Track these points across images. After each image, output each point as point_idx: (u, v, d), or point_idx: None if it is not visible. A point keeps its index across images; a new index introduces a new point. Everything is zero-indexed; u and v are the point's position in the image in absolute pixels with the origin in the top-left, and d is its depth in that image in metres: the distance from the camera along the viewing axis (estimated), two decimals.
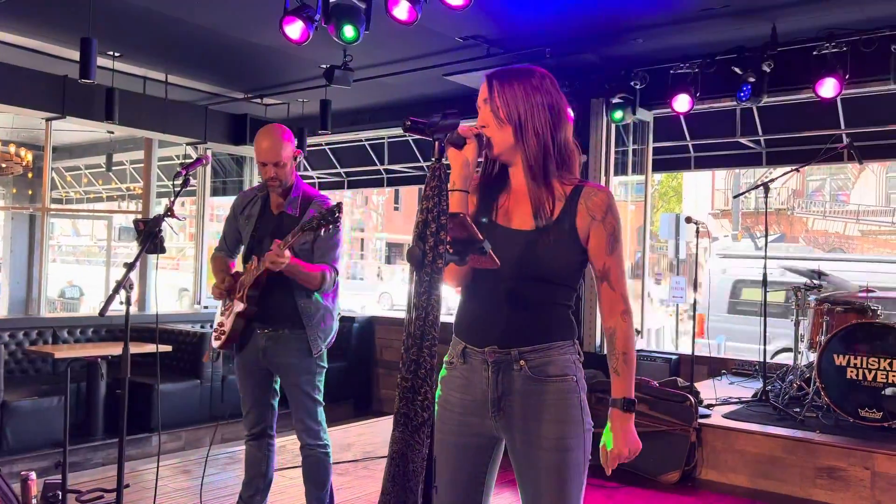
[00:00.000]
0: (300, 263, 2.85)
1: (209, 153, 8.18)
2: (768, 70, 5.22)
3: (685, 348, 5.83)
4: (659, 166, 7.24)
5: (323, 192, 3.16)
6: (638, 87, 5.87)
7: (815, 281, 5.25)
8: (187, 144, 8.03)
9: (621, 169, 6.59)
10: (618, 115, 5.98)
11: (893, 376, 4.27)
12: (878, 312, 4.82)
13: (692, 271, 6.42)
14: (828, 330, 4.75)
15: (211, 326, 7.50)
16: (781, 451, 4.20)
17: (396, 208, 30.34)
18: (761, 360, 5.19)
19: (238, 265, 3.19)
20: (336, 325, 3.11)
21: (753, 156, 7.08)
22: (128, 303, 2.45)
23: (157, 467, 3.11)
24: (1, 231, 12.04)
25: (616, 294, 1.77)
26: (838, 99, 5.57)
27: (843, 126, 6.12)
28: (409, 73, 6.37)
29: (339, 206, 2.70)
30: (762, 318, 5.20)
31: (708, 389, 5.25)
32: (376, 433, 5.37)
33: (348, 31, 4.14)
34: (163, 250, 2.56)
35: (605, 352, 1.81)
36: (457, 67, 6.06)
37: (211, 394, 6.63)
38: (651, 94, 5.99)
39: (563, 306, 1.77)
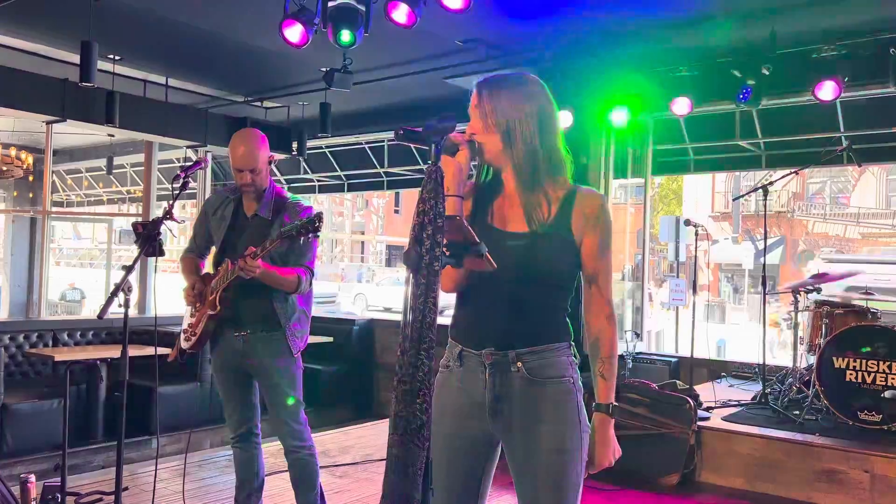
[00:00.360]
0: (273, 269, 2.84)
1: (208, 156, 8.20)
2: (767, 73, 5.23)
3: (685, 351, 5.83)
4: (658, 169, 7.25)
5: (298, 195, 3.15)
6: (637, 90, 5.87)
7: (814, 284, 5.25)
8: (187, 147, 8.04)
9: (621, 172, 6.60)
10: (616, 117, 5.99)
11: (893, 379, 4.27)
12: (878, 315, 4.82)
13: (692, 274, 6.42)
14: (827, 332, 4.75)
15: None
16: (781, 454, 4.20)
17: (397, 211, 30.40)
18: (761, 362, 5.19)
19: (208, 266, 3.18)
20: (308, 328, 3.11)
21: (753, 158, 7.09)
22: (126, 306, 2.45)
23: (156, 470, 3.11)
24: (2, 234, 12.07)
25: (603, 298, 1.79)
26: (837, 102, 5.58)
27: (842, 129, 6.13)
28: (408, 76, 6.38)
29: (319, 216, 2.68)
30: (762, 320, 5.20)
31: (707, 392, 5.24)
32: (376, 436, 5.37)
33: (345, 35, 4.15)
34: (162, 253, 2.57)
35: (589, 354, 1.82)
36: (457, 70, 6.08)
37: (211, 397, 6.63)
38: (650, 97, 5.99)
39: (560, 308, 1.79)
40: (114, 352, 5.89)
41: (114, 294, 2.38)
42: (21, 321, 8.29)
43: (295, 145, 8.19)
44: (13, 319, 9.26)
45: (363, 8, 4.26)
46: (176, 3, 5.06)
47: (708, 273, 25.05)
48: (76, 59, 5.22)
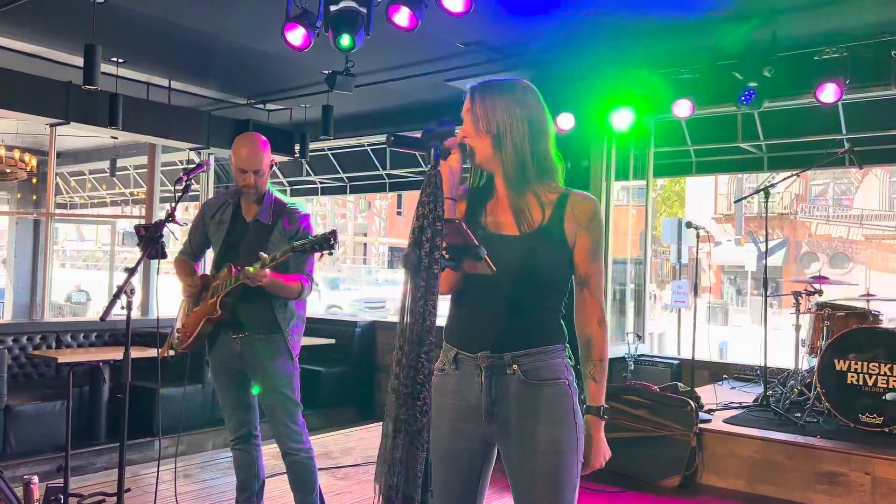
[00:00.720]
0: (279, 278, 2.86)
1: (211, 158, 8.22)
2: (769, 75, 5.23)
3: (687, 353, 5.84)
4: (660, 171, 7.25)
5: (300, 198, 3.18)
6: (639, 92, 5.88)
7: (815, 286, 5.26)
8: (190, 150, 8.07)
9: (623, 174, 6.61)
10: (618, 119, 5.99)
11: (894, 381, 4.27)
12: (879, 317, 4.82)
13: (694, 276, 6.42)
14: (828, 335, 4.76)
15: None
16: (782, 456, 4.20)
17: (399, 213, 30.42)
18: (762, 365, 5.19)
19: (202, 269, 3.20)
20: (302, 334, 3.12)
21: (755, 160, 7.09)
22: (129, 308, 2.46)
23: (158, 471, 3.12)
24: (6, 236, 12.10)
25: (595, 301, 1.81)
26: (839, 104, 5.58)
27: (844, 131, 6.13)
28: (410, 78, 6.40)
29: (334, 233, 2.69)
30: (763, 324, 5.20)
31: (709, 394, 5.25)
32: (377, 437, 5.36)
33: (344, 40, 4.17)
34: (164, 255, 2.58)
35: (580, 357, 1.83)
36: (458, 73, 6.09)
37: (213, 398, 6.64)
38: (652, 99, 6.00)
39: (554, 310, 1.80)
40: (117, 353, 5.91)
41: (116, 296, 2.40)
42: (24, 323, 8.31)
43: (297, 147, 8.21)
44: (17, 321, 9.28)
45: (364, 10, 4.27)
46: (179, 7, 5.08)
47: (710, 275, 25.03)
48: (80, 61, 5.24)
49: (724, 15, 4.86)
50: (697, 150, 7.18)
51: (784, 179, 5.51)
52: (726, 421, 4.61)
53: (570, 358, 1.80)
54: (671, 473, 4.35)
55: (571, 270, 1.81)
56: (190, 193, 2.82)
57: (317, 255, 2.80)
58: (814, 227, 25.17)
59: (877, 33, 4.89)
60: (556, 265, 1.77)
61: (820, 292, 5.26)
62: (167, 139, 7.61)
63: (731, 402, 5.06)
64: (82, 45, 5.14)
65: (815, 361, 4.78)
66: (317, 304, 16.77)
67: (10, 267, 11.60)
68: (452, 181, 1.71)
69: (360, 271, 28.15)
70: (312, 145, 8.15)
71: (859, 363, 4.39)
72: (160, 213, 8.25)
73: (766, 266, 5.23)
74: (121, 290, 2.41)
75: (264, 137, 3.03)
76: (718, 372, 6.19)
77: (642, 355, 6.44)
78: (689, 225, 5.48)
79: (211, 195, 8.55)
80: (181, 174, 2.81)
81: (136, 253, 2.57)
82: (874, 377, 4.33)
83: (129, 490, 3.26)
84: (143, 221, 7.44)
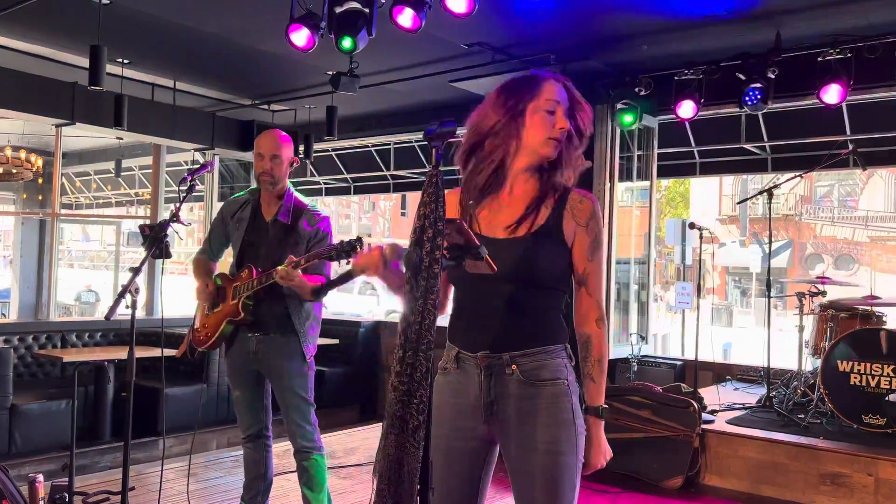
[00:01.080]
0: (306, 278, 2.88)
1: (215, 159, 8.25)
2: (773, 76, 5.23)
3: (691, 354, 5.84)
4: (664, 172, 7.26)
5: (309, 198, 3.19)
6: (642, 93, 5.89)
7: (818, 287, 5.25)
8: (195, 150, 8.10)
9: (626, 175, 6.61)
10: (627, 119, 5.99)
11: None
12: (883, 319, 4.81)
13: (698, 277, 6.42)
14: (832, 336, 4.75)
15: None
16: (785, 458, 4.20)
17: (403, 214, 30.38)
18: (766, 366, 5.19)
19: (221, 268, 3.23)
20: (318, 335, 3.14)
21: (759, 162, 7.09)
22: (133, 307, 2.48)
23: (162, 470, 3.14)
24: (11, 236, 12.15)
25: (593, 300, 1.81)
26: (843, 105, 5.58)
27: (848, 132, 6.12)
28: (414, 79, 6.41)
29: (359, 241, 2.69)
30: (767, 325, 5.20)
31: (712, 395, 5.24)
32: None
33: (346, 42, 4.19)
34: (168, 255, 2.60)
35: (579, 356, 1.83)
36: (462, 74, 6.10)
37: (217, 398, 6.67)
38: (655, 100, 6.01)
39: (554, 310, 1.80)
40: (121, 353, 5.94)
41: (121, 295, 2.41)
42: (30, 322, 8.34)
43: (302, 148, 8.23)
44: (22, 321, 9.33)
45: (367, 10, 4.29)
46: (184, 8, 5.10)
47: (715, 276, 24.98)
48: (85, 62, 5.26)
49: (728, 16, 4.86)
50: (701, 151, 7.18)
51: (788, 180, 5.51)
52: (729, 422, 4.61)
53: (570, 358, 1.81)
54: (674, 474, 4.35)
55: (571, 270, 1.81)
56: (194, 194, 2.84)
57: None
58: (819, 228, 25.09)
59: (881, 34, 4.89)
60: (554, 265, 1.77)
61: (824, 293, 5.26)
62: (172, 140, 7.65)
63: (734, 403, 5.06)
64: (88, 46, 5.16)
65: (818, 362, 4.77)
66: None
67: (15, 267, 11.65)
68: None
69: None
70: (317, 146, 8.17)
71: (863, 364, 4.38)
72: (165, 214, 8.28)
73: (769, 267, 5.22)
74: (125, 289, 2.42)
75: (289, 136, 3.09)
76: (722, 373, 6.18)
77: (646, 356, 6.44)
78: (692, 226, 5.48)
79: (215, 196, 8.58)
80: (186, 174, 2.83)
81: (141, 253, 2.59)
82: (877, 378, 4.32)
83: (133, 489, 3.28)
84: (147, 222, 7.48)
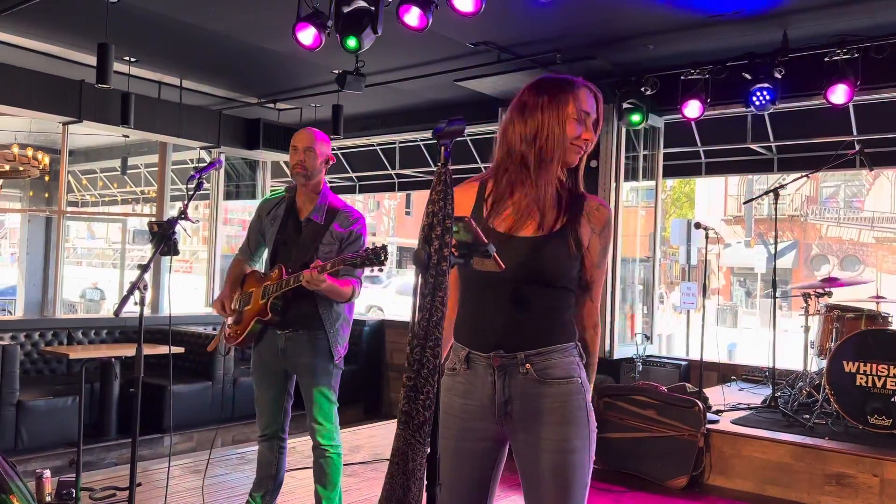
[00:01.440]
0: (335, 282, 2.89)
1: (222, 157, 8.27)
2: (779, 76, 5.22)
3: (696, 354, 5.84)
4: (669, 172, 7.25)
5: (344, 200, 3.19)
6: (648, 92, 5.89)
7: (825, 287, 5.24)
8: (201, 148, 8.12)
9: (632, 175, 6.61)
10: (635, 118, 5.98)
11: None
12: (889, 319, 4.80)
13: (703, 277, 6.41)
14: (838, 336, 4.75)
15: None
16: (790, 458, 4.20)
17: (408, 213, 30.43)
18: (771, 366, 5.18)
19: (260, 267, 3.25)
20: (348, 335, 3.15)
21: (765, 162, 7.08)
22: (142, 303, 2.49)
23: (169, 466, 3.16)
24: (18, 233, 12.19)
25: (594, 306, 1.85)
26: (850, 105, 5.56)
27: (855, 132, 6.10)
28: (420, 78, 6.42)
29: (384, 248, 2.71)
30: (772, 326, 5.19)
31: (717, 395, 5.24)
32: (386, 435, 5.40)
33: (351, 41, 4.21)
34: (176, 252, 2.61)
35: (584, 356, 1.85)
36: (468, 73, 6.10)
37: (222, 395, 6.69)
38: (662, 100, 6.00)
39: (566, 309, 1.80)
40: (127, 350, 5.96)
41: (130, 292, 2.43)
42: (36, 319, 8.38)
43: None
44: (28, 318, 9.36)
45: (373, 7, 4.30)
46: (191, 6, 5.12)
47: (720, 277, 24.93)
48: (93, 60, 5.29)
49: (735, 15, 4.85)
50: (707, 151, 7.17)
51: (794, 181, 5.50)
52: (734, 422, 4.61)
53: (581, 356, 1.81)
54: (678, 474, 4.35)
55: (581, 272, 1.81)
56: (201, 192, 2.85)
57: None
58: (824, 229, 25.03)
59: (888, 34, 4.88)
60: (567, 266, 1.77)
61: (829, 294, 5.25)
62: (178, 138, 7.67)
63: (739, 404, 5.05)
64: (95, 44, 5.19)
65: (823, 363, 4.76)
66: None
67: (22, 264, 11.70)
68: None
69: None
70: None
71: (868, 365, 4.37)
72: (171, 212, 8.31)
73: (775, 267, 5.21)
74: (134, 285, 2.44)
75: (327, 136, 3.13)
76: (727, 373, 6.18)
77: (650, 356, 6.44)
78: (698, 226, 5.48)
79: (221, 195, 8.60)
80: (193, 172, 2.83)
81: (147, 251, 2.60)
82: (883, 379, 4.31)
83: (139, 485, 3.30)
84: (153, 219, 7.50)
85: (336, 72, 5.78)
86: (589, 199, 1.83)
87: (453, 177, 1.54)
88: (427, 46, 5.65)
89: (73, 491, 3.46)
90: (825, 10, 4.72)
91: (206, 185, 5.72)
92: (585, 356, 1.83)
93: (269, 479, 3.15)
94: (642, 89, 5.88)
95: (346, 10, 4.19)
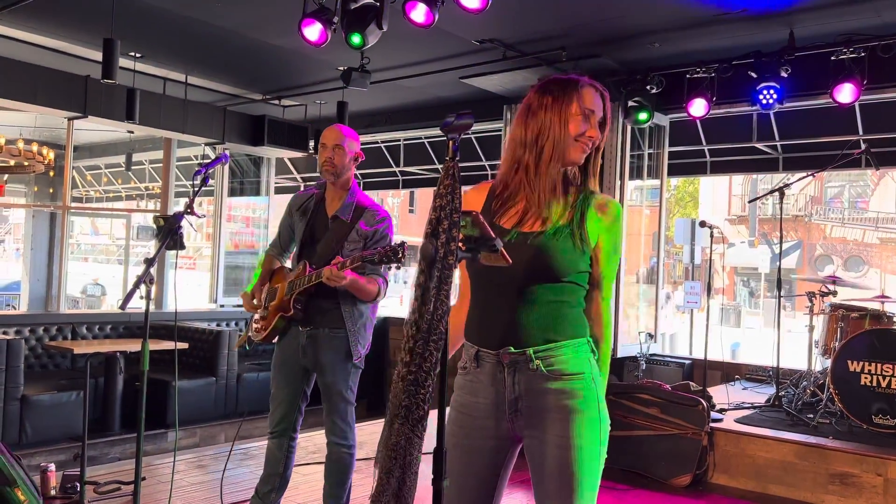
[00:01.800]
0: (358, 279, 2.88)
1: (226, 153, 8.28)
2: (786, 75, 5.21)
3: (699, 353, 5.83)
4: (674, 171, 7.23)
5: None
6: (654, 91, 5.88)
7: (829, 286, 5.23)
8: (206, 145, 8.13)
9: (636, 173, 6.60)
10: (642, 116, 5.97)
11: None
12: (894, 319, 4.79)
13: (707, 277, 6.40)
14: (842, 336, 4.74)
15: (227, 325, 7.58)
16: (794, 457, 4.19)
17: (411, 211, 30.43)
18: (775, 365, 5.17)
19: (289, 262, 3.26)
20: (371, 335, 3.15)
21: (770, 161, 7.06)
22: (147, 297, 2.50)
23: (174, 461, 3.16)
24: (22, 229, 12.22)
25: (605, 303, 1.84)
26: (856, 104, 5.55)
27: (861, 132, 6.09)
28: (425, 75, 6.42)
29: (402, 246, 2.71)
30: (776, 325, 5.19)
31: (721, 394, 5.24)
32: None
33: (355, 38, 4.21)
34: (182, 246, 2.61)
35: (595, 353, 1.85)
36: (473, 70, 6.10)
37: (226, 391, 6.70)
38: (667, 99, 6.00)
39: (575, 305, 1.79)
40: (131, 345, 5.98)
41: (136, 285, 2.43)
42: (41, 314, 8.40)
43: (312, 144, 8.26)
44: (33, 313, 9.38)
45: (379, 4, 4.30)
46: (196, 2, 5.12)
47: (723, 276, 24.90)
48: (98, 56, 5.29)
49: (741, 14, 4.84)
50: (712, 149, 7.15)
51: (800, 179, 5.49)
52: (738, 421, 4.60)
53: (593, 351, 1.80)
54: (682, 472, 4.35)
55: (590, 267, 1.80)
56: (205, 188, 2.85)
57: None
58: (828, 229, 24.98)
59: (894, 33, 4.86)
60: (575, 262, 1.76)
61: (834, 293, 5.24)
62: (183, 134, 7.67)
63: (742, 403, 5.05)
64: (101, 40, 5.19)
65: (828, 362, 4.76)
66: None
67: (26, 259, 11.73)
68: None
69: None
70: None
71: (873, 365, 4.36)
72: (175, 208, 8.31)
73: (780, 267, 5.20)
74: (140, 279, 2.44)
75: (356, 133, 3.12)
76: (730, 372, 6.17)
77: (654, 355, 6.44)
78: (703, 224, 5.46)
79: (225, 191, 8.61)
80: (199, 167, 2.84)
81: (151, 247, 2.61)
82: (888, 379, 4.31)
83: (144, 479, 3.30)
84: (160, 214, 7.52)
85: (341, 68, 5.78)
86: (597, 195, 1.82)
87: (460, 174, 1.54)
88: (432, 43, 5.65)
89: (78, 485, 3.47)
90: (832, 9, 4.71)
91: (210, 182, 5.72)
92: (597, 352, 1.82)
93: (276, 477, 3.15)
94: (647, 87, 5.87)
95: (353, 6, 4.18)
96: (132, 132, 9.49)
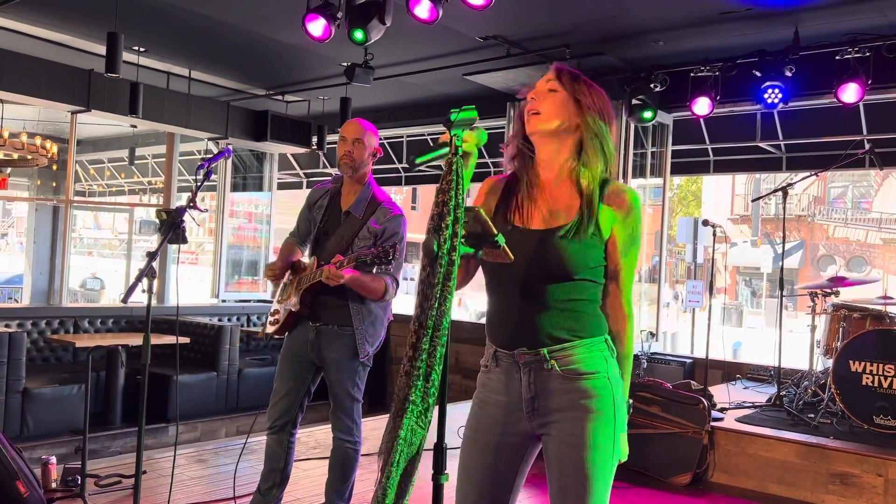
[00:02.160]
0: (361, 277, 2.86)
1: (229, 148, 8.28)
2: (790, 74, 5.20)
3: (701, 352, 5.83)
4: (677, 169, 7.23)
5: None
6: (658, 89, 5.87)
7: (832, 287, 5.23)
8: (209, 139, 8.13)
9: (639, 172, 6.59)
10: (647, 114, 5.96)
11: None
12: None
13: (709, 276, 6.40)
14: (844, 336, 4.73)
15: (228, 320, 7.59)
16: (794, 457, 4.19)
17: (414, 208, 30.40)
18: (776, 365, 5.17)
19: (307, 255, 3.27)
20: (384, 333, 3.13)
21: (773, 160, 7.05)
22: (150, 290, 2.49)
23: (175, 455, 3.16)
24: (25, 222, 12.24)
25: (623, 297, 1.79)
26: (861, 104, 5.53)
27: (865, 132, 6.07)
28: (429, 72, 6.41)
29: (394, 247, 2.72)
30: (778, 325, 5.18)
31: (722, 393, 5.23)
32: None
33: (358, 33, 4.21)
34: (185, 240, 2.61)
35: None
36: (477, 67, 6.09)
37: (227, 386, 6.71)
38: (671, 97, 5.98)
39: (590, 303, 1.76)
40: (133, 339, 5.98)
41: (138, 279, 2.43)
42: (43, 307, 8.42)
43: (315, 139, 8.26)
44: (35, 306, 9.40)
45: (382, 0, 4.29)
46: None
47: (726, 276, 24.88)
48: (102, 50, 5.30)
49: (746, 12, 4.83)
50: (715, 148, 7.14)
51: (803, 179, 5.47)
52: (739, 420, 4.60)
53: (611, 350, 1.77)
54: (682, 471, 4.35)
55: (605, 262, 1.77)
56: (208, 183, 2.85)
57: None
58: (831, 229, 24.94)
59: None
60: (585, 258, 1.72)
61: (836, 293, 5.23)
62: (186, 128, 7.68)
63: (743, 402, 5.04)
64: (104, 34, 5.19)
65: (829, 362, 4.75)
66: None
67: (28, 253, 11.74)
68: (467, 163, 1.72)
69: None
70: (330, 137, 8.19)
71: (875, 365, 4.36)
72: (178, 203, 8.31)
73: (782, 266, 5.20)
74: (143, 272, 2.44)
75: (375, 127, 3.11)
76: (731, 372, 6.17)
77: (655, 353, 6.44)
78: (706, 223, 5.45)
79: (228, 186, 8.61)
80: (202, 161, 2.83)
81: (154, 241, 2.61)
82: (890, 379, 4.30)
83: (145, 472, 3.31)
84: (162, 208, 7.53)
85: (345, 64, 5.78)
86: (611, 185, 1.77)
87: (463, 170, 1.54)
88: (436, 40, 5.64)
89: (79, 478, 3.47)
90: (837, 8, 4.70)
91: (213, 176, 5.73)
92: (616, 349, 1.78)
93: (276, 473, 3.15)
94: (651, 86, 5.86)
95: (357, 1, 4.18)
96: (135, 126, 9.49)
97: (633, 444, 1.83)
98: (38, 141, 8.26)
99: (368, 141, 3.02)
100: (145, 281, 2.46)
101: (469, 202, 1.69)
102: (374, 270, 2.89)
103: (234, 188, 9.05)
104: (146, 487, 3.64)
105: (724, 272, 24.56)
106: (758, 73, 5.35)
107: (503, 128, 6.85)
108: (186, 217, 2.70)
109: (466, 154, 1.65)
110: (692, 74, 5.68)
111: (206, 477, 4.12)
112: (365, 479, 4.25)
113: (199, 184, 2.73)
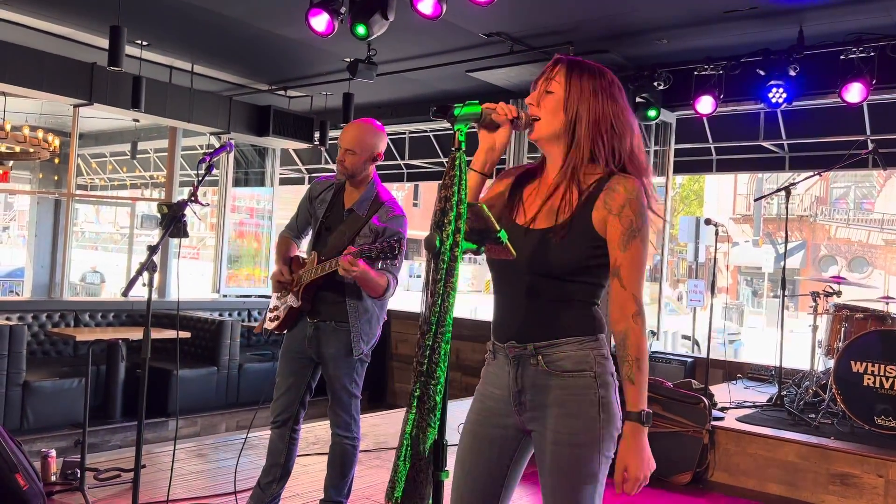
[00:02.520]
0: (370, 271, 2.85)
1: (231, 142, 8.26)
2: (794, 73, 5.18)
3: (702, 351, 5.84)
4: (680, 168, 7.22)
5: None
6: (661, 87, 5.85)
7: (833, 287, 5.22)
8: (211, 134, 8.12)
9: None
10: (651, 113, 5.94)
11: None
12: None
13: (711, 275, 6.39)
14: (846, 336, 4.72)
15: (229, 315, 7.59)
16: (795, 457, 4.18)
17: (415, 204, 30.40)
18: (777, 365, 5.16)
19: (303, 247, 3.25)
20: (379, 331, 3.14)
21: (776, 160, 7.04)
22: (150, 284, 2.49)
23: (174, 449, 3.16)
24: (27, 215, 12.24)
25: (627, 293, 1.69)
26: (864, 104, 5.52)
27: (868, 132, 6.06)
28: (432, 68, 6.40)
29: (399, 243, 2.72)
30: (780, 325, 5.17)
31: (722, 393, 5.23)
32: (389, 424, 5.41)
33: (360, 29, 4.20)
34: (186, 234, 2.60)
35: (617, 355, 1.74)
36: (480, 64, 6.08)
37: (227, 381, 6.71)
38: (674, 96, 5.97)
39: (581, 302, 1.74)
40: (134, 333, 5.99)
41: (139, 272, 2.42)
42: (44, 301, 8.41)
43: (317, 135, 8.25)
44: (36, 299, 9.40)
45: None
46: None
47: (727, 275, 24.86)
48: (104, 43, 5.29)
49: (750, 11, 4.81)
50: (718, 147, 7.13)
51: (806, 178, 5.46)
52: (739, 419, 4.59)
53: (605, 349, 1.74)
54: (682, 470, 4.35)
55: (606, 260, 1.72)
56: (209, 178, 2.84)
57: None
58: (833, 230, 24.92)
59: None
60: (576, 257, 1.69)
61: (838, 293, 5.22)
62: (188, 123, 7.67)
63: (744, 401, 5.04)
64: (107, 27, 5.18)
65: (830, 363, 4.74)
66: None
67: (30, 246, 11.74)
68: (491, 157, 1.72)
69: None
70: (332, 133, 8.18)
71: (876, 366, 4.35)
72: (179, 197, 8.30)
73: (784, 266, 5.19)
74: (144, 266, 2.43)
75: (379, 127, 3.05)
76: (732, 371, 6.16)
77: (656, 352, 6.43)
78: (708, 222, 5.44)
79: (230, 181, 8.60)
80: (204, 155, 2.82)
81: (155, 236, 2.60)
82: (891, 380, 4.29)
83: (144, 466, 3.31)
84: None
85: (347, 60, 5.76)
86: (613, 179, 1.72)
87: (466, 166, 1.54)
88: (439, 36, 5.63)
89: (78, 471, 3.48)
90: (842, 7, 4.68)
91: (215, 171, 5.71)
92: (622, 349, 1.70)
93: (277, 467, 3.15)
94: (655, 84, 5.84)
95: None
96: (137, 120, 9.48)
97: None
98: (40, 134, 8.25)
99: (362, 149, 2.98)
100: (146, 275, 2.46)
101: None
102: (380, 266, 2.88)
103: (236, 183, 9.04)
104: (145, 481, 3.64)
105: (726, 271, 24.55)
106: (762, 73, 5.34)
107: None
108: (188, 211, 2.69)
109: (494, 125, 1.70)
110: (696, 73, 5.66)
111: (206, 471, 4.12)
112: (364, 475, 4.25)
113: (200, 178, 2.73)
